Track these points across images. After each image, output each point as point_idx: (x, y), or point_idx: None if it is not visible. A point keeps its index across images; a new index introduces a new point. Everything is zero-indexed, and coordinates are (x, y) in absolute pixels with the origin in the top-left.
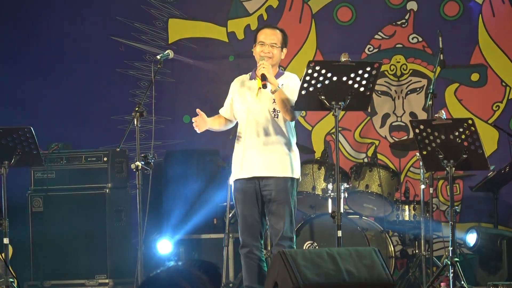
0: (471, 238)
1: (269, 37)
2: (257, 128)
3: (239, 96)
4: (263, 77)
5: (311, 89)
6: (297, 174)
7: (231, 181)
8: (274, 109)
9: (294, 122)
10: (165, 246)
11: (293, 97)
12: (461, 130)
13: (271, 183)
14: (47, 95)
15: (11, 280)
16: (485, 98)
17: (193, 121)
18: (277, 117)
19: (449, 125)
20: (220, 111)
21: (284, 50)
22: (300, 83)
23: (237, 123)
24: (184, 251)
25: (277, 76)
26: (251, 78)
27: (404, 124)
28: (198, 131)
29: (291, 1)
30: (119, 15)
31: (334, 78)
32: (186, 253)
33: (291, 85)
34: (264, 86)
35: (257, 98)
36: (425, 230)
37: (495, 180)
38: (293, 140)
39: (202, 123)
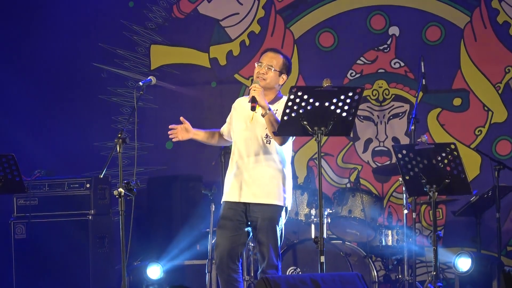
0: (464, 263)
1: (267, 58)
2: (248, 152)
3: (236, 118)
4: (253, 100)
5: (293, 114)
6: (286, 202)
7: (221, 200)
8: (266, 134)
9: (290, 151)
10: (154, 272)
11: None
12: (443, 154)
13: (257, 210)
14: (30, 122)
15: None
16: (467, 122)
17: (170, 128)
18: (269, 143)
19: (432, 150)
20: (221, 129)
21: (284, 76)
22: None
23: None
24: (167, 277)
25: (274, 100)
26: (249, 101)
27: (386, 149)
28: (174, 139)
29: (273, 27)
30: (101, 42)
31: (317, 104)
32: (170, 279)
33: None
34: (253, 108)
35: (251, 122)
36: (408, 255)
37: (477, 205)
38: (286, 167)
39: (181, 132)
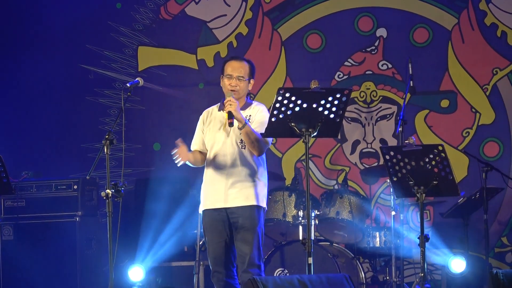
0: (458, 264)
1: (236, 70)
2: (224, 158)
3: (208, 127)
4: (230, 115)
5: (281, 116)
6: (263, 203)
7: (200, 210)
8: (241, 140)
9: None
10: (136, 273)
11: (261, 129)
12: (431, 156)
13: (237, 211)
14: (17, 123)
15: None
16: (455, 124)
17: (173, 153)
18: (244, 148)
19: (419, 151)
20: (193, 147)
21: (252, 81)
22: (267, 114)
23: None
24: (155, 279)
25: (245, 107)
26: (219, 109)
27: (374, 151)
28: (179, 163)
29: (260, 29)
30: (88, 43)
31: (304, 105)
32: (157, 281)
33: (258, 118)
34: (231, 124)
35: (225, 129)
36: (395, 256)
37: (465, 206)
38: (261, 170)
39: (183, 154)
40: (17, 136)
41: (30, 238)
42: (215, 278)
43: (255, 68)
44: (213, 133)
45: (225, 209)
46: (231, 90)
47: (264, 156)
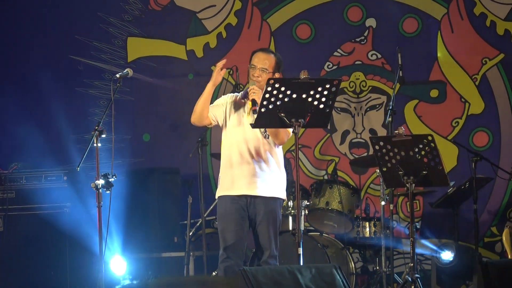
0: (447, 254)
1: (261, 61)
2: (248, 147)
3: (232, 113)
4: (254, 102)
5: (270, 106)
6: (284, 195)
7: (216, 196)
8: (264, 129)
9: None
10: (119, 264)
11: None
12: (421, 146)
13: (260, 203)
14: (6, 114)
15: None
16: (444, 114)
17: (220, 66)
18: (268, 138)
19: (409, 141)
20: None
21: (277, 74)
22: None
23: (220, 139)
24: (144, 269)
25: None
26: (243, 98)
27: (364, 141)
28: (220, 70)
29: (250, 19)
30: (78, 34)
31: (294, 96)
32: (145, 272)
33: None
34: (255, 111)
35: (249, 118)
36: (385, 246)
37: (455, 196)
38: (282, 161)
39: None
40: (6, 127)
41: (20, 229)
42: (226, 263)
43: (281, 61)
44: (236, 120)
45: (246, 196)
46: (252, 80)
47: (281, 148)
